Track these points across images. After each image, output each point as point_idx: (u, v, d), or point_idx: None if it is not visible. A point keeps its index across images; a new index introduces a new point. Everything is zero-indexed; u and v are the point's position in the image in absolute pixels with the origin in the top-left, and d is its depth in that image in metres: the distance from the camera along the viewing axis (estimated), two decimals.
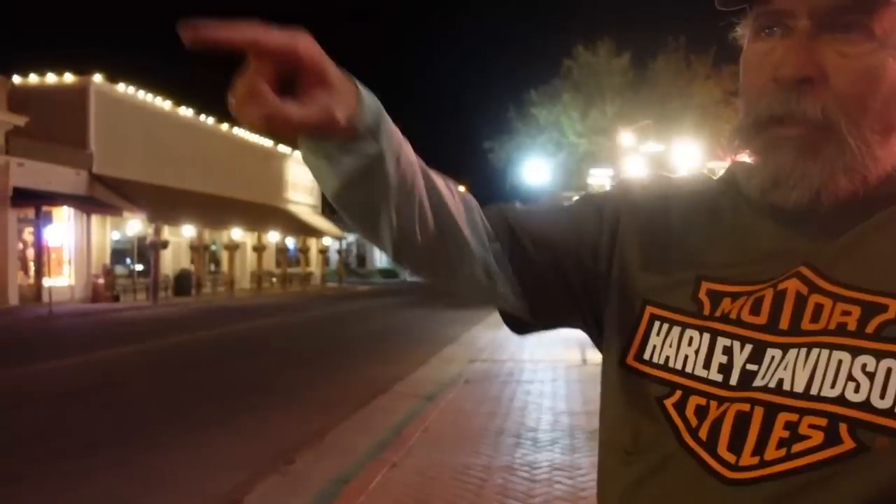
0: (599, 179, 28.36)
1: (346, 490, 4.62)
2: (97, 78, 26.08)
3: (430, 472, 4.94)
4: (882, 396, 0.69)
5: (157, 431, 6.56)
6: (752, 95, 0.79)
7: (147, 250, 27.12)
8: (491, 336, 13.71)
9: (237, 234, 32.45)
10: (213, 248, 33.94)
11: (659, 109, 26.39)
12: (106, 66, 40.21)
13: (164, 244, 27.14)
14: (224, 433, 6.46)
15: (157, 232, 26.64)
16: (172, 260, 29.33)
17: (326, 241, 44.04)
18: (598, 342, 0.91)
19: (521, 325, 0.96)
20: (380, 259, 62.36)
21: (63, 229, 24.17)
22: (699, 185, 0.91)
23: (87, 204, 24.72)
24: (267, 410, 7.40)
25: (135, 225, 26.67)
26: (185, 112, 31.58)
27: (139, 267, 28.19)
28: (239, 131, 35.80)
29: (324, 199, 47.13)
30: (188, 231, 29.02)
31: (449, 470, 4.97)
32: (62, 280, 24.08)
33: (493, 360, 10.57)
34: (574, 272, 0.90)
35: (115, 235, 27.35)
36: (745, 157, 0.82)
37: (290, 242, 39.80)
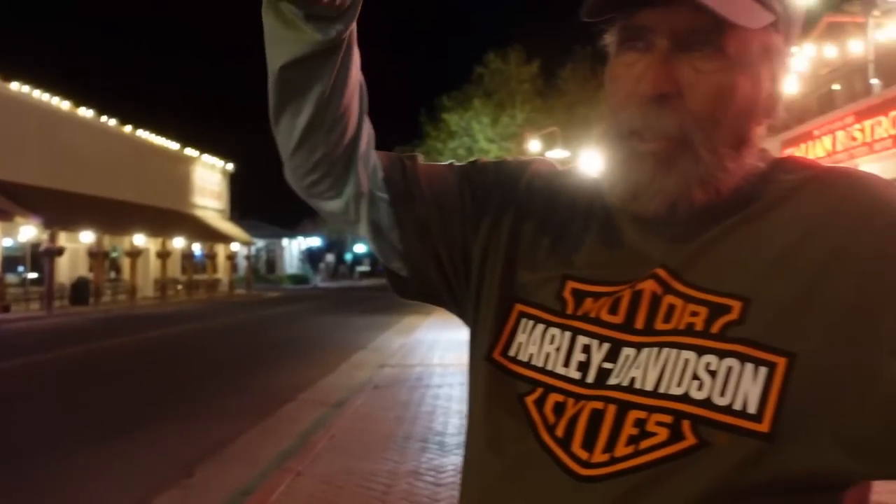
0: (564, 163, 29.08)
1: (248, 502, 4.51)
2: None
3: (336, 480, 4.88)
4: (722, 394, 0.72)
5: (47, 450, 6.23)
6: (616, 105, 0.82)
7: (42, 257, 25.78)
8: (402, 341, 13.70)
9: (140, 239, 31.27)
10: (114, 254, 32.61)
11: (566, 116, 27.08)
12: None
13: (60, 251, 25.86)
14: (121, 448, 6.18)
15: (53, 238, 25.37)
16: (69, 267, 27.98)
17: (234, 246, 43.01)
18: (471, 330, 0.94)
19: (401, 286, 0.98)
20: (290, 265, 61.44)
21: None
22: (582, 185, 0.93)
23: None
24: (168, 423, 7.15)
25: (28, 231, 25.33)
26: (86, 113, 30.26)
27: (33, 275, 26.79)
28: (143, 133, 34.56)
29: (232, 204, 46.49)
30: (87, 237, 27.78)
31: (355, 477, 4.92)
32: None
33: (402, 364, 10.55)
34: (452, 248, 0.93)
35: (7, 242, 25.90)
36: (603, 170, 0.84)
37: (197, 248, 38.67)
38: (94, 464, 5.69)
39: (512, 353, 0.85)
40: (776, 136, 16.67)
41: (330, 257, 72.25)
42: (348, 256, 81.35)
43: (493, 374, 0.85)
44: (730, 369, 0.72)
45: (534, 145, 24.48)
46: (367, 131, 0.91)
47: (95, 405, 8.21)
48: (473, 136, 32.56)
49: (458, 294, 0.95)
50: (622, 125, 0.80)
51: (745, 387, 0.71)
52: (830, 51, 17.66)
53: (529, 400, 0.81)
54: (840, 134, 14.50)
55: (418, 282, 0.96)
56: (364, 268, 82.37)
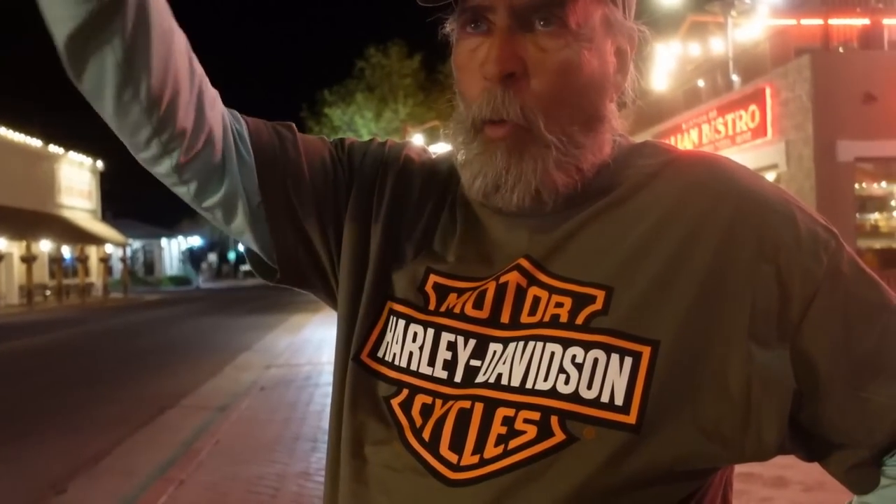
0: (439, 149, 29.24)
1: None
2: None
3: (222, 486, 4.73)
4: (589, 387, 0.71)
5: None
6: (467, 94, 0.79)
7: None
8: (289, 341, 13.44)
9: (1, 244, 29.20)
10: None
11: (448, 110, 27.32)
12: None
13: None
14: None
15: None
16: None
17: (108, 248, 40.88)
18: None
19: (267, 270, 0.93)
20: (170, 266, 59.07)
21: None
22: (449, 172, 0.89)
23: None
24: (37, 437, 6.69)
25: None
26: None
27: None
28: (1, 130, 32.25)
29: (104, 204, 44.19)
30: None
31: (241, 482, 4.79)
32: None
33: (290, 364, 10.34)
34: (324, 227, 0.88)
35: None
36: (460, 163, 0.81)
37: (66, 251, 36.50)
38: None
39: (380, 353, 0.82)
40: (647, 129, 17.44)
41: (212, 257, 70.02)
42: (231, 256, 79.03)
43: (357, 375, 0.82)
44: (596, 361, 0.71)
45: (417, 139, 24.62)
46: (208, 94, 0.82)
47: None
48: (357, 131, 32.33)
49: (330, 280, 0.90)
50: (475, 115, 0.77)
51: (612, 378, 0.70)
52: (695, 48, 18.67)
53: (395, 402, 0.78)
54: (705, 127, 15.34)
55: (286, 264, 0.89)
56: (248, 267, 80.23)
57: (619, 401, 0.70)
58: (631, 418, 0.69)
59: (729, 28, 15.98)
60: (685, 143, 15.94)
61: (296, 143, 0.90)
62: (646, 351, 0.71)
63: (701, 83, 17.72)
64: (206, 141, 0.82)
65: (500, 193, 0.77)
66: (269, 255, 0.90)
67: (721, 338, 0.71)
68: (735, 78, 15.53)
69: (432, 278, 0.83)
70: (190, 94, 0.79)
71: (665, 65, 18.94)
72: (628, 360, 0.71)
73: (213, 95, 0.84)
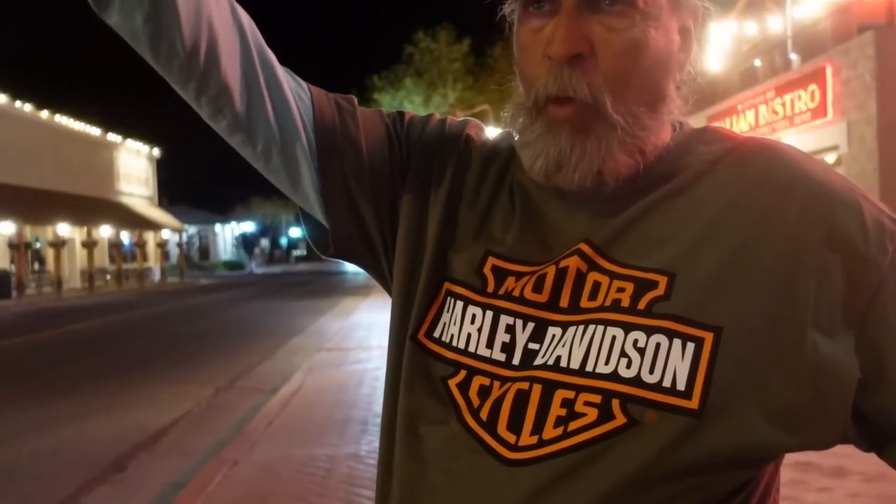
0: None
1: (183, 494, 4.42)
2: None
3: (275, 467, 4.83)
4: (651, 371, 0.70)
5: None
6: (529, 74, 0.78)
7: None
8: (339, 325, 13.62)
9: (64, 229, 30.15)
10: (37, 245, 31.38)
11: (498, 94, 27.22)
12: None
13: None
14: (51, 442, 5.98)
15: None
16: None
17: (165, 233, 41.92)
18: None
19: (322, 242, 0.93)
20: (224, 251, 60.32)
21: None
22: (508, 155, 0.89)
23: None
24: (97, 416, 6.93)
25: None
26: None
27: None
28: (62, 119, 33.24)
29: (160, 190, 45.24)
30: (6, 228, 26.64)
31: (293, 463, 4.87)
32: None
33: (340, 348, 10.48)
34: (379, 206, 0.88)
35: None
36: (521, 143, 0.80)
37: (125, 237, 37.54)
38: (19, 461, 5.49)
39: (437, 333, 0.82)
40: (702, 112, 17.07)
41: (264, 242, 71.27)
42: (283, 241, 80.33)
43: (414, 355, 0.82)
44: (658, 346, 0.71)
45: None
46: (260, 54, 0.83)
47: (21, 398, 7.90)
48: None
49: (381, 259, 0.91)
50: (538, 93, 0.76)
51: (674, 363, 0.70)
52: (751, 27, 18.15)
53: (452, 383, 0.78)
54: (762, 108, 14.96)
55: (338, 242, 0.90)
56: (300, 252, 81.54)
57: (681, 385, 0.70)
58: (693, 403, 0.69)
59: (787, 5, 15.48)
60: (741, 124, 15.57)
61: (356, 119, 0.89)
62: (708, 337, 0.70)
63: (758, 63, 17.26)
64: (259, 100, 0.82)
65: (561, 173, 0.76)
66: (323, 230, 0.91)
67: (786, 327, 0.70)
68: (794, 57, 15.08)
69: (490, 260, 0.82)
70: (233, 48, 0.80)
71: (720, 44, 18.49)
72: (690, 346, 0.70)
73: (269, 58, 0.84)
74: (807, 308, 0.70)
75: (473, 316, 0.80)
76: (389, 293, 0.91)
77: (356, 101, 0.93)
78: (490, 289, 0.81)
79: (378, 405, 6.69)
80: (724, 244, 0.73)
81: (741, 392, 0.69)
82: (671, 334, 0.71)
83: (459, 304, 0.81)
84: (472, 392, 0.77)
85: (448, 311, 0.82)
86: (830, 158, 13.59)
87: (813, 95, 13.23)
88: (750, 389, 0.69)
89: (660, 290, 0.73)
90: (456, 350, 0.80)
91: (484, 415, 0.75)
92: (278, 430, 5.81)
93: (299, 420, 6.14)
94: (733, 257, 0.72)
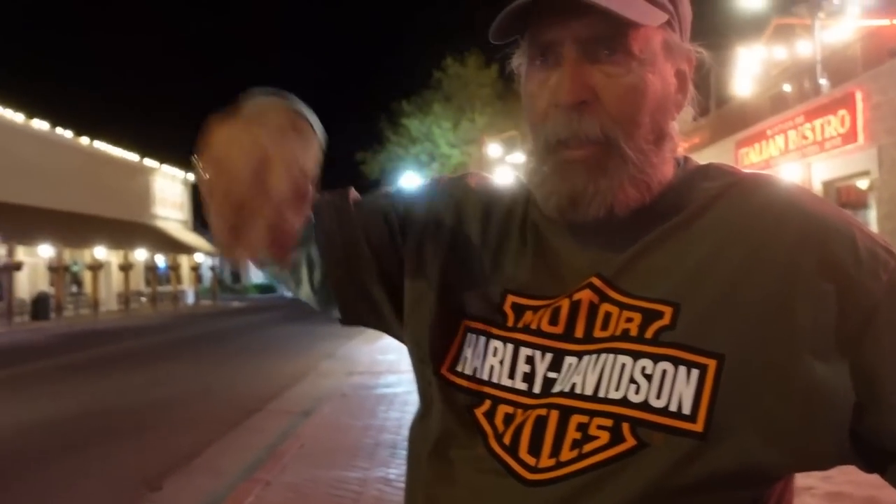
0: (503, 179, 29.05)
1: None
2: None
3: (305, 488, 4.92)
4: (658, 396, 0.75)
5: (4, 465, 6.16)
6: (537, 121, 0.84)
7: None
8: (369, 349, 13.69)
9: (101, 252, 30.77)
10: (75, 268, 32.03)
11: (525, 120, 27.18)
12: None
13: (19, 266, 25.37)
14: (86, 461, 6.13)
15: (11, 252, 24.88)
16: (29, 282, 27.46)
17: (198, 257, 42.50)
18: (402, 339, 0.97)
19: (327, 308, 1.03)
20: (255, 274, 60.73)
21: None
22: (514, 197, 0.95)
23: None
24: (134, 435, 7.10)
25: None
26: (40, 125, 29.69)
27: None
28: (100, 145, 34.05)
29: (194, 214, 45.77)
30: (46, 251, 27.27)
31: (324, 485, 4.96)
32: None
33: (370, 372, 10.56)
34: (384, 282, 0.96)
35: None
36: (535, 184, 0.86)
37: (160, 260, 38.14)
38: (54, 482, 5.64)
39: (459, 367, 0.87)
40: (731, 136, 17.01)
41: None
42: None
43: (440, 388, 0.87)
44: (664, 372, 0.76)
45: (494, 149, 24.62)
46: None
47: (58, 418, 8.11)
48: (434, 142, 32.61)
49: (391, 323, 0.99)
50: (548, 137, 0.82)
51: (680, 388, 0.75)
52: (780, 52, 18.11)
53: (479, 412, 0.84)
54: (792, 133, 14.86)
55: (349, 317, 1.01)
56: None
57: (686, 410, 0.74)
58: (698, 426, 0.74)
59: (816, 30, 15.43)
60: (770, 150, 15.47)
61: (352, 220, 0.97)
62: (711, 364, 0.75)
63: (787, 88, 17.18)
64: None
65: (577, 209, 0.82)
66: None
67: (783, 353, 0.74)
68: (823, 82, 14.99)
69: (510, 299, 0.88)
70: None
71: (749, 69, 18.44)
72: (695, 372, 0.75)
73: None
74: (803, 334, 0.74)
75: (495, 349, 0.86)
76: (399, 340, 0.99)
77: (351, 191, 1.01)
78: (510, 324, 0.86)
79: (406, 430, 6.68)
80: (723, 274, 0.78)
81: (742, 415, 0.74)
82: (676, 361, 0.76)
83: (482, 339, 0.87)
84: (498, 419, 0.82)
85: (469, 346, 0.88)
86: (862, 184, 13.46)
87: (843, 120, 13.14)
88: (750, 413, 0.74)
89: (665, 320, 0.78)
90: (479, 381, 0.85)
91: (507, 440, 0.81)
92: (309, 453, 5.90)
93: (330, 443, 6.23)
94: (732, 287, 0.77)
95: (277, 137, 0.73)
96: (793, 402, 0.73)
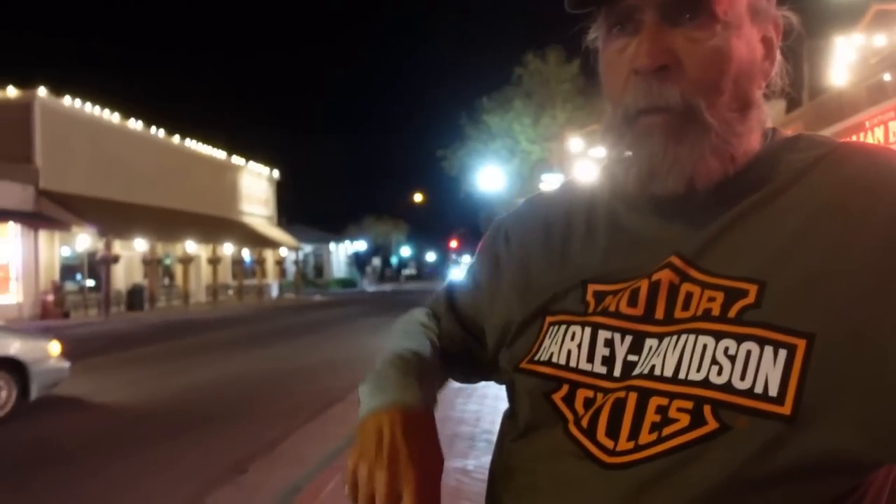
0: (551, 185, 28.75)
1: (298, 499, 4.63)
2: (41, 91, 25.50)
3: None
4: (742, 378, 0.71)
5: (108, 449, 6.46)
6: (616, 92, 0.82)
7: (98, 265, 26.56)
8: None
9: (191, 247, 31.97)
10: (167, 261, 33.38)
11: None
12: (51, 79, 39.35)
13: (116, 259, 26.62)
14: (177, 445, 6.39)
15: (108, 246, 26.13)
16: (125, 275, 28.77)
17: (283, 251, 43.63)
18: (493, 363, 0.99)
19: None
20: (337, 269, 62.05)
21: (9, 246, 23.56)
22: (571, 195, 0.97)
23: (34, 220, 24.13)
24: (220, 422, 7.34)
25: (84, 240, 26.12)
26: (134, 124, 31.04)
27: (90, 283, 27.59)
28: (191, 143, 35.34)
29: (279, 210, 46.96)
30: (140, 245, 28.53)
31: None
32: (9, 298, 23.46)
33: None
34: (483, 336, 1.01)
35: (65, 251, 26.73)
36: (614, 159, 0.84)
37: (246, 254, 39.35)
38: (150, 463, 5.89)
39: (537, 357, 0.86)
40: (827, 128, 16.30)
41: (376, 261, 72.79)
42: (394, 260, 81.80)
43: (521, 381, 0.87)
44: (749, 353, 0.72)
45: (575, 144, 24.34)
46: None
47: (150, 404, 8.46)
48: (514, 138, 32.50)
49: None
50: (628, 107, 0.79)
51: (766, 370, 0.70)
52: (879, 39, 17.21)
53: (557, 397, 0.82)
54: (892, 124, 14.13)
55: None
56: (410, 271, 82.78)
57: (773, 392, 0.70)
58: (786, 409, 0.69)
59: None
60: (869, 141, 14.76)
61: (466, 313, 1.05)
62: (801, 343, 0.70)
63: (887, 77, 16.33)
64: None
65: (656, 180, 0.79)
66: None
67: (881, 332, 0.69)
68: None
69: (590, 287, 0.86)
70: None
71: (845, 58, 17.62)
72: (782, 353, 0.70)
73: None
74: None
75: (573, 334, 0.84)
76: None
77: (451, 290, 1.08)
78: (591, 309, 0.84)
79: (485, 422, 6.74)
80: (814, 251, 0.73)
81: (834, 399, 0.69)
82: (762, 341, 0.71)
83: (562, 327, 0.85)
84: (578, 404, 0.81)
85: (550, 337, 0.86)
86: None
87: None
88: (843, 396, 0.68)
89: (750, 299, 0.74)
90: (556, 366, 0.83)
91: (585, 423, 0.79)
92: None
93: None
94: (825, 263, 0.72)
95: (402, 473, 0.82)
96: (891, 386, 0.68)
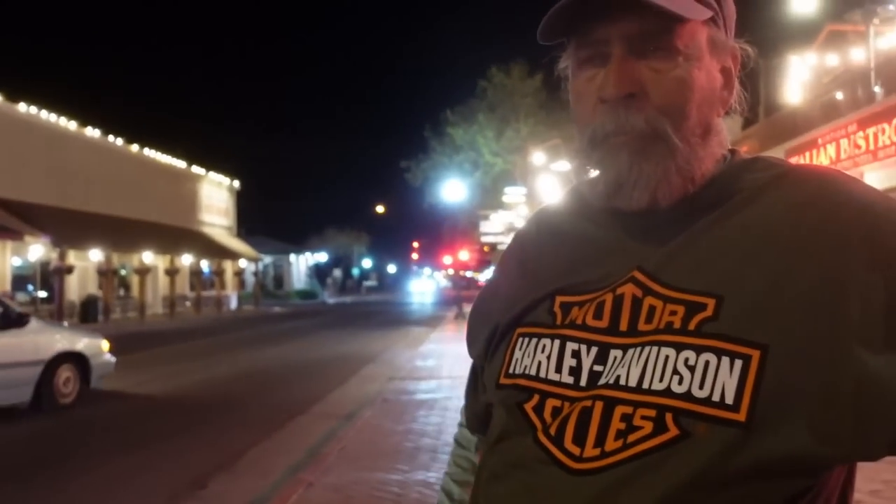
0: (514, 198, 28.92)
1: None
2: None
3: (347, 489, 4.93)
4: (701, 387, 0.76)
5: (77, 460, 6.30)
6: (585, 118, 0.88)
7: (51, 276, 25.94)
8: (410, 354, 13.74)
9: (148, 257, 31.41)
10: (123, 272, 32.76)
11: (569, 128, 27.00)
12: (5, 85, 38.51)
13: (70, 269, 26.04)
14: (135, 459, 6.25)
15: (62, 256, 25.56)
16: (79, 286, 28.13)
17: (242, 262, 43.14)
18: None
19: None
20: (298, 280, 61.53)
21: None
22: (537, 221, 1.04)
23: None
24: (180, 435, 7.22)
25: (38, 250, 25.50)
26: (92, 132, 30.49)
27: (43, 294, 26.92)
28: (150, 152, 34.83)
29: (239, 220, 46.49)
30: (95, 255, 27.95)
31: (366, 487, 4.97)
32: None
33: (412, 378, 10.59)
34: None
35: (16, 261, 26.07)
36: (582, 177, 0.91)
37: (205, 265, 38.82)
38: (109, 478, 5.76)
39: (511, 370, 0.90)
40: (781, 145, 16.70)
41: (337, 272, 72.43)
42: (355, 271, 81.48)
43: (498, 395, 0.91)
44: (707, 363, 0.76)
45: (538, 158, 24.56)
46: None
47: (107, 417, 8.27)
48: (478, 150, 32.69)
49: None
50: (595, 131, 0.85)
51: (723, 379, 0.75)
52: (832, 59, 17.73)
53: (528, 406, 0.86)
54: (844, 142, 14.53)
55: None
56: (371, 283, 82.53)
57: (729, 399, 0.74)
58: (741, 416, 0.73)
59: (871, 37, 15.09)
60: (822, 158, 15.15)
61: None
62: (755, 354, 0.74)
63: (839, 95, 16.82)
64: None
65: (622, 193, 0.85)
66: None
67: (831, 343, 0.73)
68: (877, 89, 14.65)
69: (558, 299, 0.90)
70: None
71: (799, 76, 18.11)
72: (738, 363, 0.75)
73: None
74: (853, 326, 0.73)
75: (544, 346, 0.88)
76: None
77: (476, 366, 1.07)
78: (559, 321, 0.89)
79: (446, 434, 6.74)
80: (768, 266, 0.78)
81: (787, 405, 0.73)
82: (720, 352, 0.76)
83: (533, 340, 0.90)
84: (546, 413, 0.84)
85: (520, 349, 0.91)
86: None
87: None
88: (794, 403, 0.73)
89: (708, 312, 0.78)
90: (528, 377, 0.87)
91: (553, 431, 0.82)
92: (351, 455, 5.93)
93: (371, 446, 6.25)
94: (777, 278, 0.77)
95: None
96: (842, 393, 0.72)
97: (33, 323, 8.66)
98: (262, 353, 15.87)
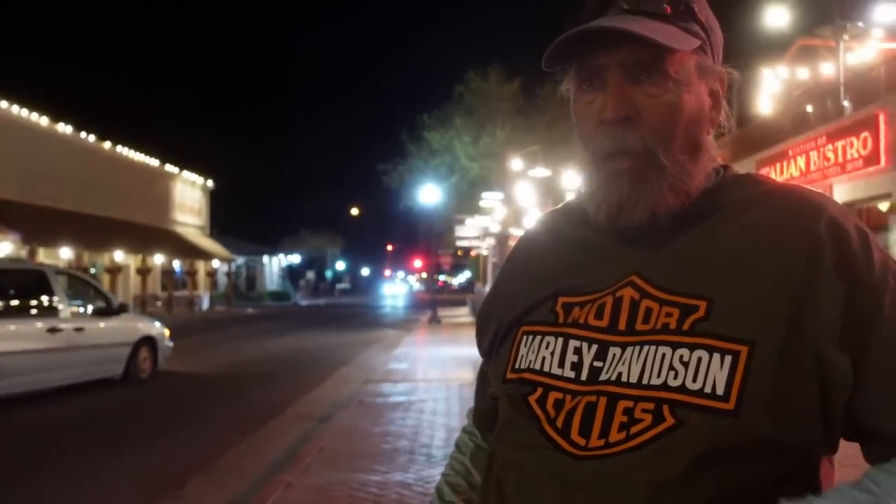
0: (490, 203, 29.03)
1: None
2: None
3: (327, 490, 4.98)
4: (694, 380, 0.85)
5: (52, 462, 6.26)
6: (587, 136, 0.98)
7: None
8: (384, 357, 13.77)
9: (120, 256, 31.06)
10: (94, 270, 32.33)
11: (547, 135, 27.28)
12: None
13: None
14: (112, 461, 6.23)
15: (32, 254, 25.17)
16: None
17: (215, 263, 42.78)
18: None
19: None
20: (270, 281, 61.11)
21: None
22: (542, 225, 1.14)
23: None
24: (157, 436, 7.20)
25: (6, 247, 25.11)
26: (64, 128, 30.09)
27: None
28: (122, 150, 34.42)
29: (212, 220, 46.01)
30: (66, 253, 27.58)
31: (345, 487, 5.02)
32: None
33: (387, 380, 10.62)
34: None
35: None
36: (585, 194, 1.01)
37: (177, 265, 38.44)
38: (85, 477, 5.74)
39: (517, 365, 0.99)
40: (751, 156, 17.00)
41: (310, 274, 72.05)
42: (328, 274, 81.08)
43: (506, 388, 1.00)
44: (699, 359, 0.86)
45: (515, 164, 24.68)
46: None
47: (83, 419, 8.22)
48: (455, 155, 32.74)
49: None
50: (596, 151, 0.95)
51: (714, 373, 0.84)
52: (803, 73, 18.10)
53: (532, 399, 0.95)
54: (813, 154, 14.83)
55: None
56: (344, 285, 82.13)
57: (720, 391, 0.84)
58: (730, 405, 0.83)
59: (840, 52, 15.43)
60: (791, 170, 15.45)
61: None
62: (743, 350, 0.84)
63: (809, 109, 17.16)
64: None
65: (623, 215, 0.94)
66: None
67: (806, 340, 0.84)
68: (846, 104, 14.97)
69: (560, 300, 1.00)
70: None
71: (771, 89, 18.45)
72: (728, 358, 0.84)
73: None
74: (822, 324, 0.85)
75: (548, 343, 0.97)
76: None
77: (482, 370, 1.18)
78: (561, 320, 0.99)
79: (424, 437, 6.79)
80: (754, 271, 0.88)
81: (769, 395, 0.83)
82: (711, 349, 0.85)
83: (537, 337, 0.99)
84: (549, 405, 0.94)
85: (525, 346, 1.00)
86: (883, 206, 13.42)
87: (865, 142, 13.12)
88: (776, 393, 0.83)
89: (700, 313, 0.88)
90: (533, 371, 0.97)
91: (559, 423, 0.91)
92: (329, 456, 5.97)
93: (349, 448, 6.29)
94: (762, 282, 0.87)
95: None
96: (813, 383, 0.84)
97: (126, 312, 10.95)
98: (236, 354, 15.79)
